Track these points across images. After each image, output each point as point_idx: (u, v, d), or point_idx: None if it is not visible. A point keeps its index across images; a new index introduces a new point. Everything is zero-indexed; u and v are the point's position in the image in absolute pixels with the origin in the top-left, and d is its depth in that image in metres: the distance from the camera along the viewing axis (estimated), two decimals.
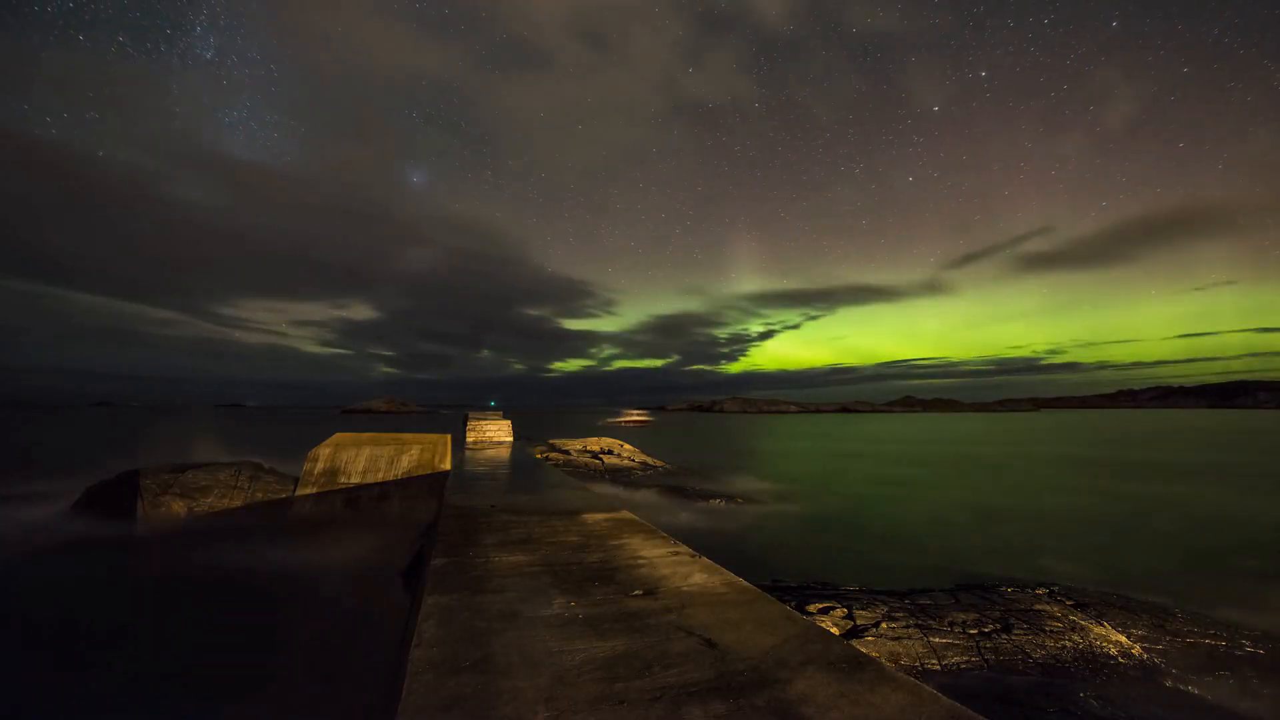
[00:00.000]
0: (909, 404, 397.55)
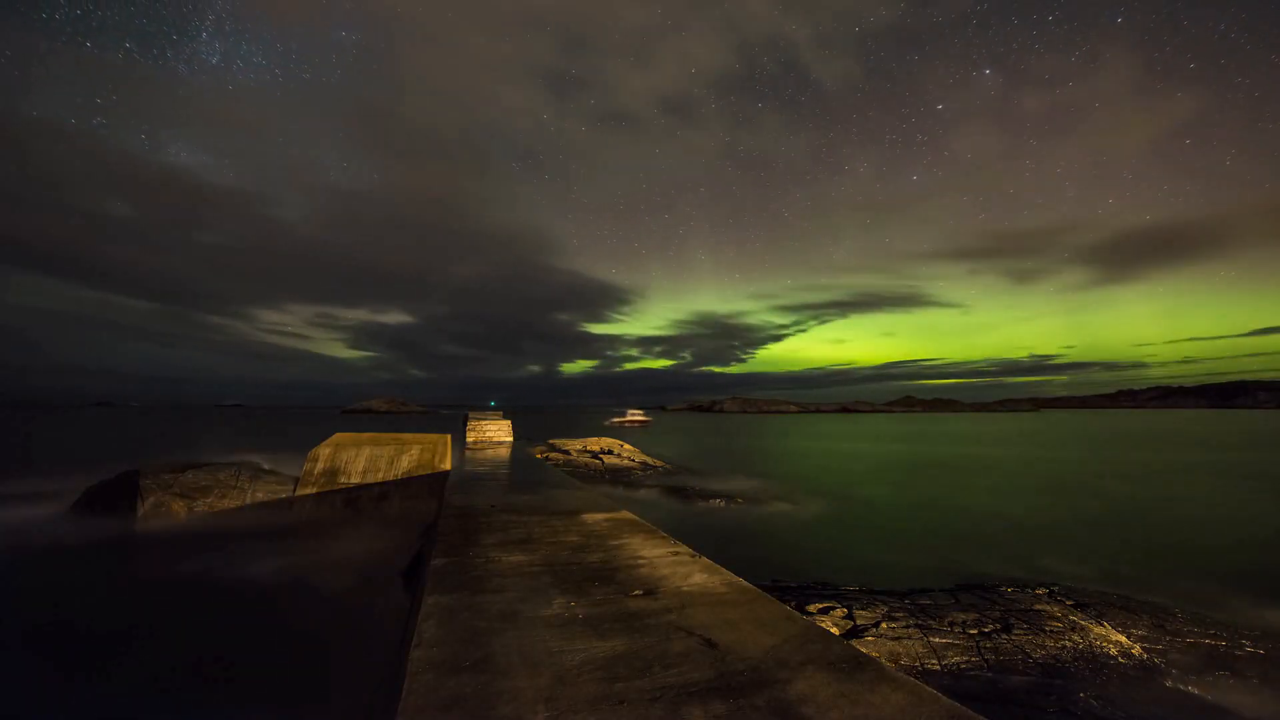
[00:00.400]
0: (909, 404, 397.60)
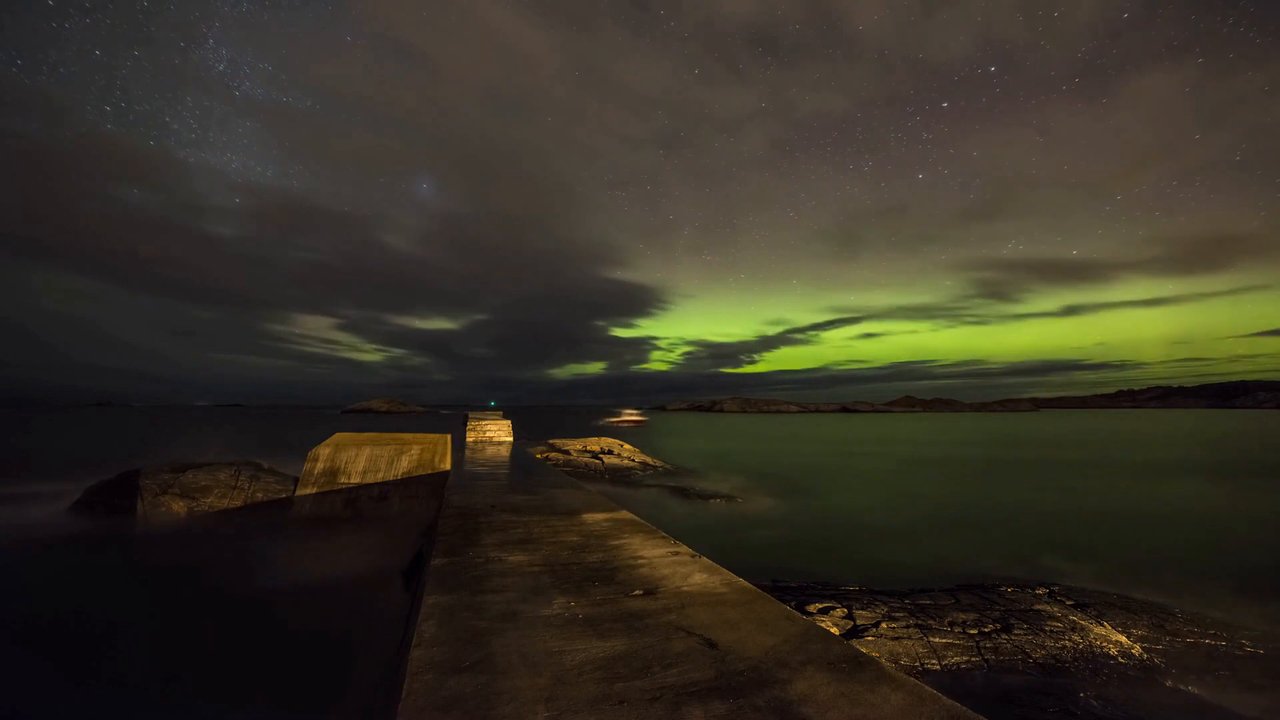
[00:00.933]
0: (909, 404, 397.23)
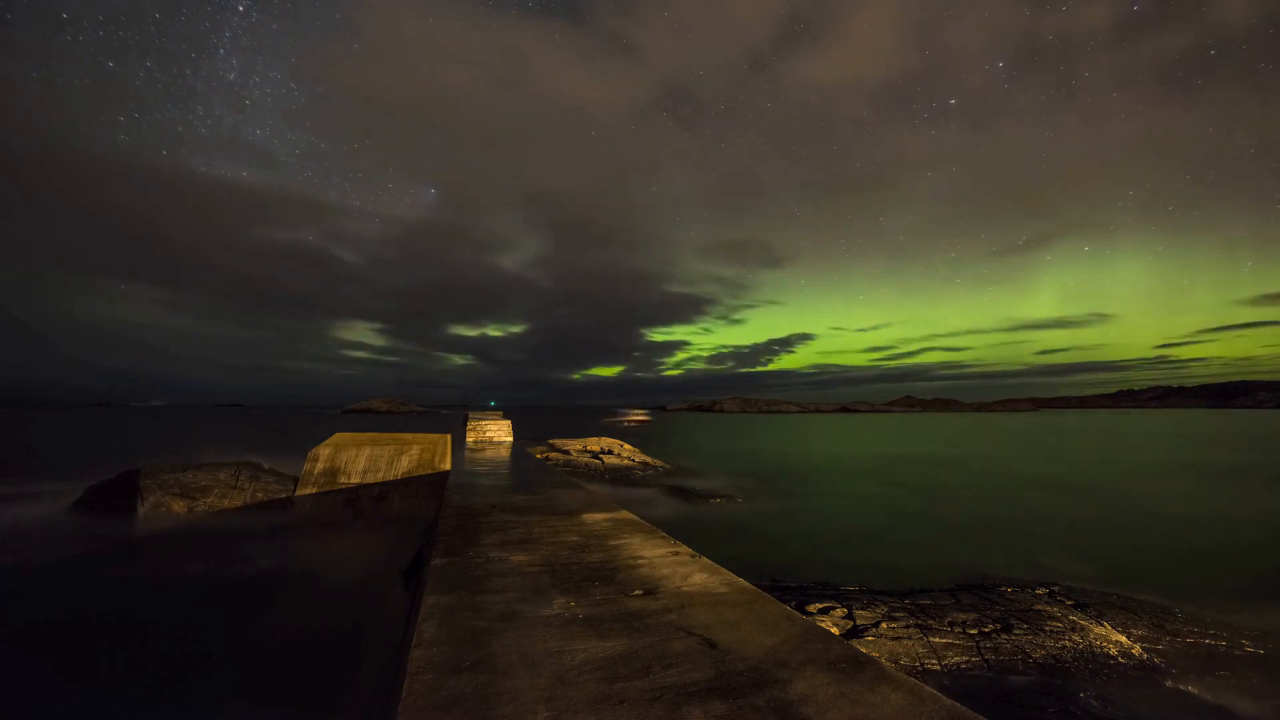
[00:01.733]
0: (909, 404, 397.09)
